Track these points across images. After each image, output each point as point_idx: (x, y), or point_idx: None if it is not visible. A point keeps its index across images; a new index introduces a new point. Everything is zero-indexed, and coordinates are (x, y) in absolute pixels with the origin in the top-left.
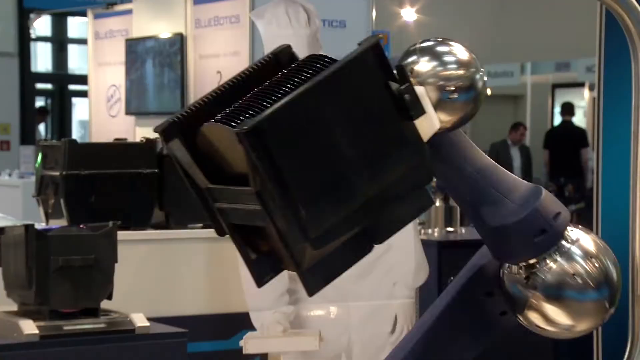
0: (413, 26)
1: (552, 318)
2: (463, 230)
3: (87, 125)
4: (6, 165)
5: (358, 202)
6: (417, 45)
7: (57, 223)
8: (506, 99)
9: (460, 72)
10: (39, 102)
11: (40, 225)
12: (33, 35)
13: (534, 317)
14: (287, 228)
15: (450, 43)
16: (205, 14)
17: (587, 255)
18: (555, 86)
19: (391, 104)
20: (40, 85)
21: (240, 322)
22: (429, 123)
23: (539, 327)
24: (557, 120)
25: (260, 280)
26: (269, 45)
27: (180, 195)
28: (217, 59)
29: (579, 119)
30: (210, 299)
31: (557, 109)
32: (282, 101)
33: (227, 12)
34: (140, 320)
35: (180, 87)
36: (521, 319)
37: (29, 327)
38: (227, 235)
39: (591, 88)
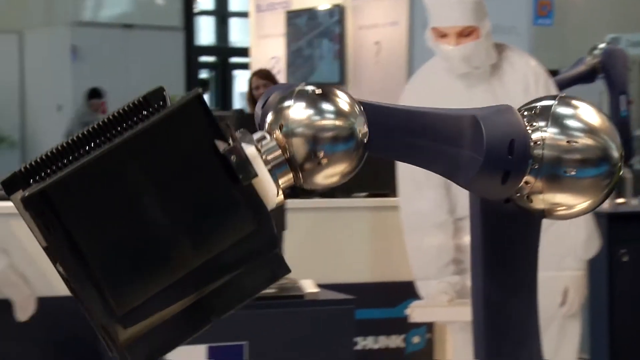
0: None
1: (554, 202)
2: (635, 202)
3: None
4: None
5: (177, 275)
6: (296, 89)
7: None
8: None
9: (338, 122)
10: (202, 75)
11: None
12: (197, 10)
13: (537, 204)
14: (88, 306)
15: (333, 92)
16: None
17: (579, 131)
18: None
19: (218, 166)
20: (203, 58)
21: (406, 291)
22: (267, 188)
23: (539, 209)
24: None
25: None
26: (433, 11)
27: None
28: (376, 29)
29: None
30: (376, 267)
31: None
32: (79, 162)
33: None
34: (309, 287)
35: (339, 58)
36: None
37: None
38: (388, 205)
39: None
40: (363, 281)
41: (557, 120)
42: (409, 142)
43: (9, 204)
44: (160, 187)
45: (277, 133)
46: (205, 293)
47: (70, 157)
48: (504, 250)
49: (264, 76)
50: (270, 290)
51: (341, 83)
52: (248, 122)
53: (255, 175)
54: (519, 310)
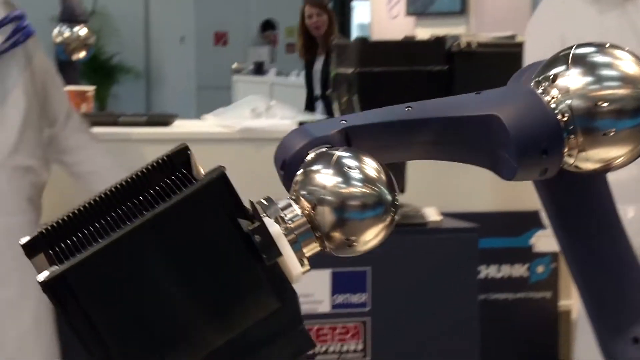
0: None
1: (599, 157)
2: None
3: (367, 28)
4: (294, 66)
5: (198, 356)
6: None
7: None
8: None
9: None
10: None
11: None
12: None
13: (585, 166)
14: None
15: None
16: None
17: (605, 79)
18: None
19: (241, 245)
20: None
21: (531, 220)
22: (292, 266)
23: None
24: None
25: None
26: None
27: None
28: None
29: None
30: (500, 196)
31: None
32: (99, 245)
33: None
34: (432, 215)
35: None
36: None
37: None
38: None
39: None
40: (487, 210)
41: (585, 66)
42: (440, 149)
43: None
44: (180, 266)
45: (303, 200)
46: None
47: (93, 224)
48: (577, 217)
49: (317, 4)
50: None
51: (462, 12)
52: (371, 51)
53: (280, 255)
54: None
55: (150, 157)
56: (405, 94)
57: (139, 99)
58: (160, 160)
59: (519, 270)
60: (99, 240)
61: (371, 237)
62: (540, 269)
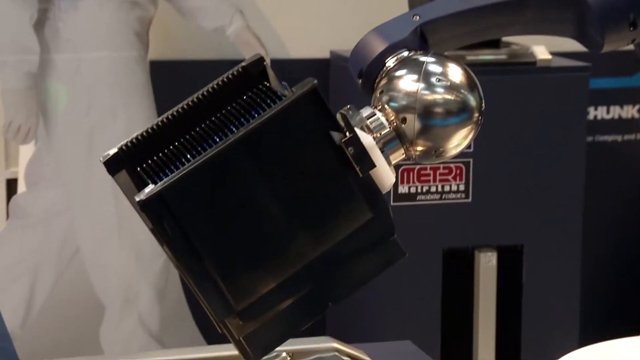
0: None
1: None
2: None
3: None
4: None
5: (295, 267)
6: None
7: None
8: None
9: (449, 95)
10: None
11: None
12: None
13: None
14: (207, 302)
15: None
16: None
17: None
18: None
19: (334, 157)
20: None
21: None
22: (384, 175)
23: None
24: None
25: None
26: None
27: None
28: None
29: None
30: None
31: None
32: (193, 164)
33: None
34: (542, 53)
35: None
36: None
37: None
38: None
39: None
40: None
41: None
42: (521, 29)
43: None
44: (275, 180)
45: (387, 108)
46: (322, 282)
47: (177, 139)
48: None
49: None
50: (500, 57)
51: None
52: None
53: (374, 166)
54: None
55: None
56: None
57: None
58: (235, 72)
59: (628, 111)
60: (189, 157)
61: (456, 143)
62: None
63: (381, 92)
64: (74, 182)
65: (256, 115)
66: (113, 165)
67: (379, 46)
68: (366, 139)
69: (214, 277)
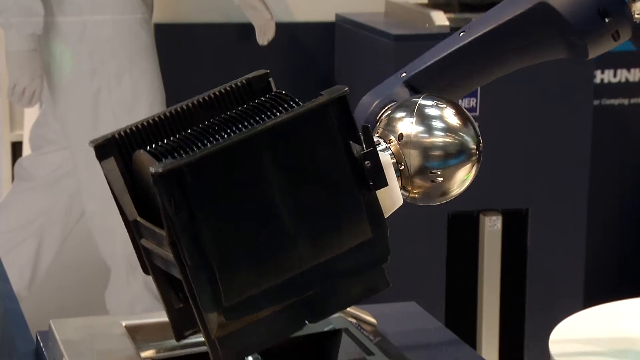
0: None
1: None
2: None
3: None
4: None
5: (289, 274)
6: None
7: None
8: None
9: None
10: None
11: None
12: None
13: None
14: (197, 291)
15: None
16: None
17: None
18: None
19: (349, 169)
20: None
21: None
22: (392, 197)
23: None
24: None
25: (179, 334)
26: None
27: None
28: None
29: None
30: None
31: None
32: (216, 146)
33: None
34: None
35: None
36: None
37: (440, 19)
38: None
39: None
40: None
41: None
42: (510, 59)
43: None
44: (289, 180)
45: (394, 141)
46: (307, 295)
47: (180, 132)
48: None
49: None
50: None
51: None
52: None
53: (386, 184)
54: None
55: None
56: None
57: None
58: (239, 83)
59: (635, 74)
60: (201, 145)
61: (456, 185)
62: None
63: (387, 124)
64: (79, 145)
65: (272, 116)
66: (103, 150)
67: (371, 104)
68: (384, 157)
69: (211, 265)
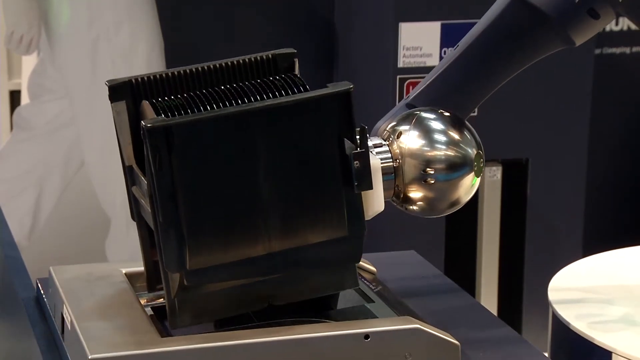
0: None
1: None
2: None
3: None
4: None
5: (257, 252)
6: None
7: None
8: None
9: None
10: None
11: None
12: None
13: None
14: (163, 248)
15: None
16: None
17: None
18: None
19: (338, 165)
20: None
21: None
22: (375, 202)
23: None
24: None
25: (151, 286)
26: None
27: None
28: None
29: None
30: None
31: None
32: (210, 114)
33: None
34: None
35: None
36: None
37: None
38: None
39: None
40: None
41: None
42: (506, 66)
43: None
44: (276, 163)
45: (394, 145)
46: (273, 278)
47: (191, 91)
48: None
49: None
50: None
51: None
52: None
53: (370, 188)
54: None
55: None
56: None
57: None
58: (265, 56)
59: None
60: (203, 109)
61: (456, 198)
62: None
63: (390, 130)
64: (78, 94)
65: (276, 97)
66: (117, 91)
67: (377, 126)
68: (375, 160)
69: (181, 227)
